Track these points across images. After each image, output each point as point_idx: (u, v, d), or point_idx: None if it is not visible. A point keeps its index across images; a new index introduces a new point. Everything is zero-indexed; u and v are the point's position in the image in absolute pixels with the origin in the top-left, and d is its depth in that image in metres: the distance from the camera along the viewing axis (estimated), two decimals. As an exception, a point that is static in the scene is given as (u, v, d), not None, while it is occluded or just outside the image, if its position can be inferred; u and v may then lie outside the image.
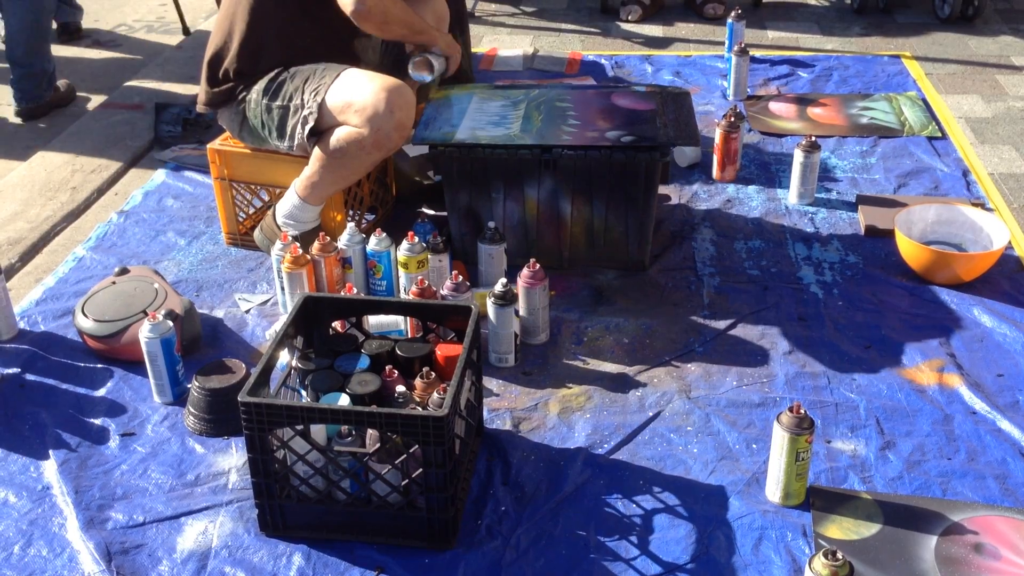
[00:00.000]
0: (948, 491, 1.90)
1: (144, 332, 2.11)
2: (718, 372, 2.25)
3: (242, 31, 2.45)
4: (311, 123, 2.40)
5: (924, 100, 3.65)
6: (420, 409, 1.86)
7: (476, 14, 4.73)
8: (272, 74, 2.47)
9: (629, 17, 4.63)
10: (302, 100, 2.41)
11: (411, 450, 1.71)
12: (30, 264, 2.78)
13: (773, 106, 3.63)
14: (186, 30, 4.57)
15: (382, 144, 2.37)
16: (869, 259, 2.68)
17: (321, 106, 2.38)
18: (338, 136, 2.38)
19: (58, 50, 4.51)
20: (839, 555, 1.55)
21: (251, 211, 2.78)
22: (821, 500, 1.87)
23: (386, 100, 2.32)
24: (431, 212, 2.90)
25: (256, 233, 2.67)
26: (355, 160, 2.41)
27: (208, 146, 2.69)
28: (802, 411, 1.81)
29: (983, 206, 2.90)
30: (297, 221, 2.55)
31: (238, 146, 2.65)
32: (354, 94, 2.35)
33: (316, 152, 2.44)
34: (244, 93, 2.50)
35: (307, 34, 2.48)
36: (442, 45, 2.64)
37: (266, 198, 2.74)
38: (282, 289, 2.40)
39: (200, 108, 2.61)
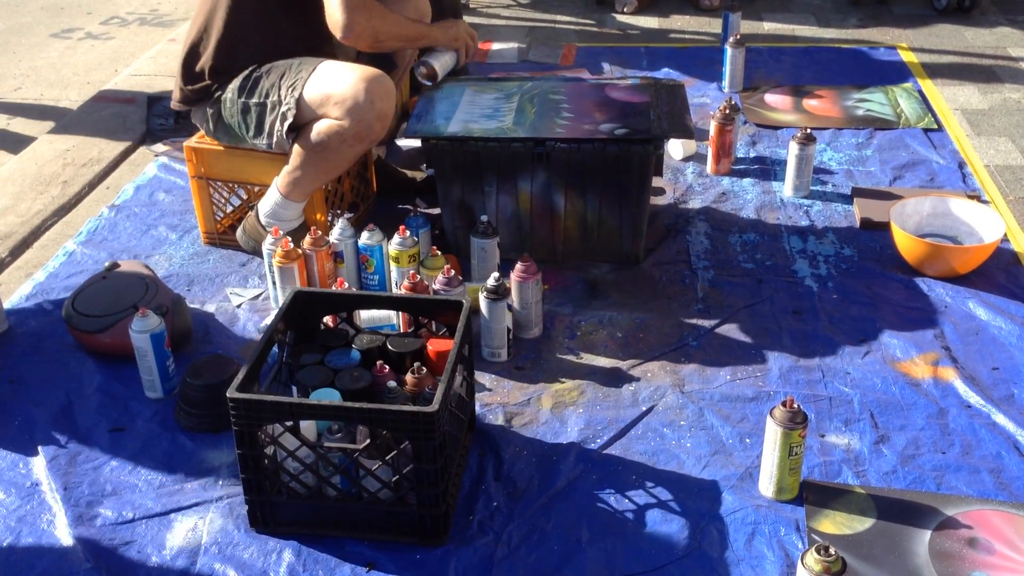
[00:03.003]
0: (942, 485, 1.89)
1: (134, 327, 2.09)
2: (712, 366, 2.23)
3: (220, 27, 2.42)
4: (290, 119, 2.37)
5: (920, 92, 3.64)
6: (411, 404, 1.85)
7: (471, 6, 4.71)
8: (247, 72, 2.43)
9: (624, 9, 4.61)
10: (279, 96, 2.38)
11: (401, 446, 1.70)
12: (20, 259, 2.77)
13: (769, 98, 3.61)
14: None
15: (364, 135, 2.34)
16: (864, 252, 2.67)
17: (299, 101, 2.35)
18: (318, 130, 2.36)
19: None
20: (831, 550, 1.54)
21: (229, 210, 2.73)
22: (814, 494, 1.87)
23: (366, 90, 2.29)
24: (423, 206, 2.88)
25: (239, 233, 2.65)
26: (337, 153, 2.38)
27: (184, 144, 2.66)
28: (795, 405, 1.80)
29: (979, 198, 2.89)
30: (280, 220, 2.52)
31: (215, 144, 2.61)
32: (332, 86, 2.32)
33: (296, 148, 2.41)
34: (219, 92, 2.46)
35: (287, 29, 2.43)
36: (442, 41, 2.64)
37: (244, 197, 2.72)
38: (273, 284, 2.38)
39: (174, 106, 2.58)
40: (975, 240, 2.58)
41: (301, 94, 2.35)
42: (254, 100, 2.42)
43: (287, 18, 2.43)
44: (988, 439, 2.00)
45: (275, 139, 2.43)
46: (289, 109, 2.37)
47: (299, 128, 2.40)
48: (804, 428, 1.79)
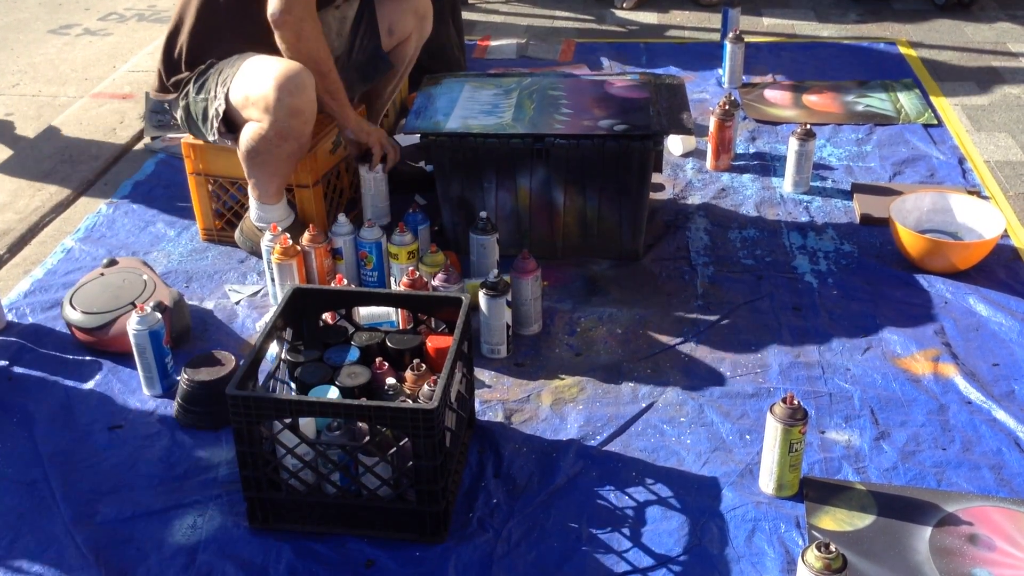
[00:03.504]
0: (943, 482, 1.89)
1: (132, 324, 2.09)
2: (712, 362, 2.23)
3: (193, 17, 2.40)
4: (220, 115, 2.35)
5: (920, 87, 3.63)
6: (410, 402, 1.84)
7: (469, 2, 4.70)
8: (203, 66, 2.42)
9: (624, 4, 4.60)
10: (215, 92, 2.36)
11: (401, 443, 1.69)
12: (18, 255, 2.76)
13: (768, 94, 3.61)
14: None
15: (285, 134, 2.29)
16: (864, 248, 2.66)
17: (227, 97, 2.33)
18: (245, 134, 2.35)
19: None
20: (832, 547, 1.53)
21: (227, 206, 2.71)
22: (815, 491, 1.86)
23: (275, 88, 2.24)
24: (422, 201, 2.87)
25: (237, 234, 2.64)
26: (269, 155, 2.35)
27: (182, 140, 2.65)
28: (796, 402, 1.79)
29: (979, 194, 2.88)
30: (268, 222, 2.50)
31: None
32: (249, 86, 2.30)
33: (238, 152, 2.40)
34: (187, 86, 2.45)
35: (257, 20, 2.36)
36: (349, 121, 2.50)
37: (243, 193, 2.69)
38: (272, 280, 2.37)
39: (153, 95, 2.56)
40: (975, 236, 2.57)
41: (228, 90, 2.33)
42: (201, 96, 2.41)
43: (260, 10, 2.37)
44: (989, 435, 2.00)
45: (215, 136, 2.41)
46: (220, 105, 2.35)
47: (238, 125, 2.38)
48: (804, 424, 1.79)
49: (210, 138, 2.46)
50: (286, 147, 2.34)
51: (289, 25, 2.29)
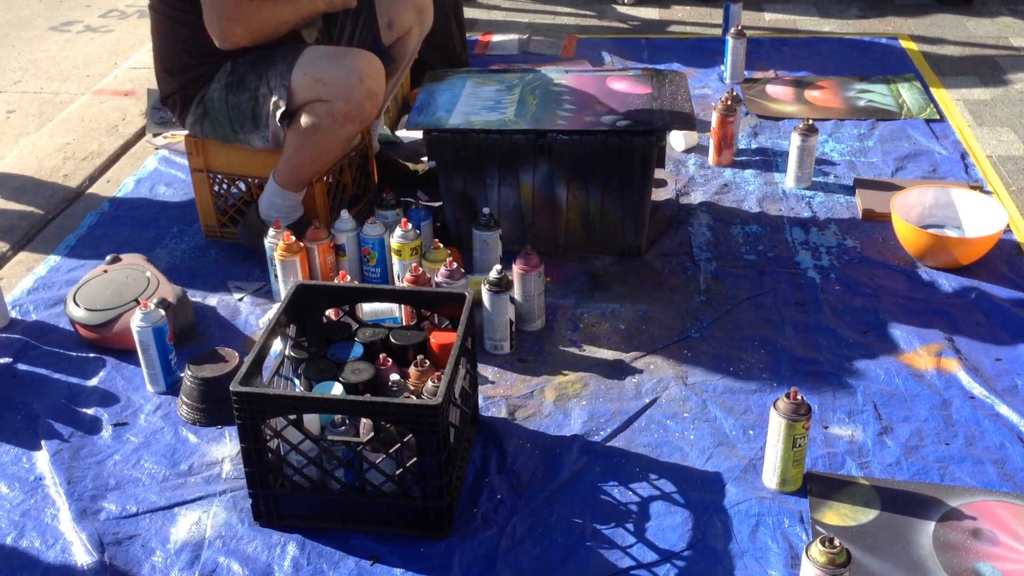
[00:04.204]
0: (946, 476, 1.89)
1: (136, 321, 2.09)
2: (715, 358, 2.23)
3: (165, 45, 2.43)
4: (282, 107, 2.35)
5: (922, 82, 3.63)
6: (414, 398, 1.85)
7: (471, -3, 4.69)
8: (227, 67, 2.41)
9: (625, 0, 4.59)
10: (269, 86, 2.36)
11: (405, 439, 1.70)
12: (21, 253, 2.76)
13: (770, 89, 3.60)
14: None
15: (354, 115, 2.33)
16: (867, 243, 2.66)
17: (289, 88, 2.34)
18: (309, 112, 2.34)
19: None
20: (836, 542, 1.53)
21: (230, 203, 2.70)
22: (818, 486, 1.86)
23: (354, 69, 2.29)
24: (425, 198, 2.88)
25: (240, 229, 2.63)
26: (329, 135, 2.36)
27: (186, 136, 2.65)
28: (799, 397, 1.80)
29: (981, 189, 2.88)
30: (279, 211, 2.50)
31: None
32: (321, 68, 2.32)
33: (289, 134, 2.39)
34: (203, 91, 2.45)
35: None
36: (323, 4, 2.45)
37: (245, 189, 2.69)
38: (275, 277, 2.38)
39: (188, 129, 2.59)
40: (977, 231, 2.57)
41: (290, 80, 2.33)
42: (244, 96, 2.40)
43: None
44: (992, 430, 2.00)
45: (271, 130, 2.41)
46: (280, 98, 2.35)
47: (292, 115, 2.38)
48: (807, 420, 1.79)
49: (256, 137, 2.45)
50: (349, 128, 2.37)
51: (241, 36, 2.31)
